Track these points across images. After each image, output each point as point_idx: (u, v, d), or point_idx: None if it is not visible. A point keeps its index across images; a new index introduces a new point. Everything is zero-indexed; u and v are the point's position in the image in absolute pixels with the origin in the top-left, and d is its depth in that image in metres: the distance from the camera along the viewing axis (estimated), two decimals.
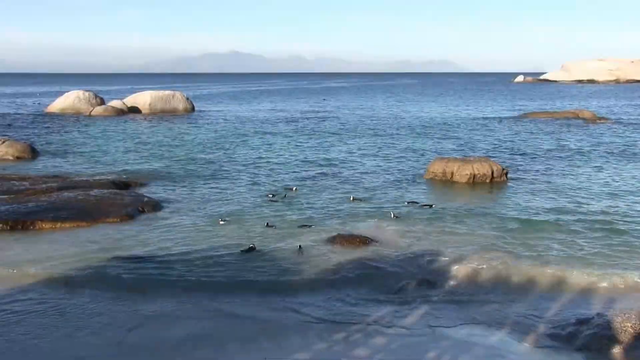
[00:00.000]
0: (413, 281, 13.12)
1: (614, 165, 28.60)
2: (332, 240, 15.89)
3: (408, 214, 19.06)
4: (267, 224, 17.52)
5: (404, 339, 10.37)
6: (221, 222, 17.70)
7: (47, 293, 12.48)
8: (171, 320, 11.27)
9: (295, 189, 22.73)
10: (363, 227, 17.43)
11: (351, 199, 20.95)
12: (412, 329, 10.75)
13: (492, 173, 24.56)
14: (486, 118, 55.67)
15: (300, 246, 15.34)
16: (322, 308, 11.74)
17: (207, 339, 10.49)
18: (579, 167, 28.26)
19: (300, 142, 37.95)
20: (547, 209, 19.83)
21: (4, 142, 31.74)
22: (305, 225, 17.45)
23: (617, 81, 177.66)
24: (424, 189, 23.38)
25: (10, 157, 30.48)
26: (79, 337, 10.50)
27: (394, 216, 18.45)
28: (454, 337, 10.50)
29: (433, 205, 20.05)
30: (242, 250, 14.95)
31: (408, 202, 20.61)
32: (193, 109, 62.07)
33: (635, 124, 49.34)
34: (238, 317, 11.42)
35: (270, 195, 21.46)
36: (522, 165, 28.68)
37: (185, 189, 23.08)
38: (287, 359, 9.63)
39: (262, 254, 14.93)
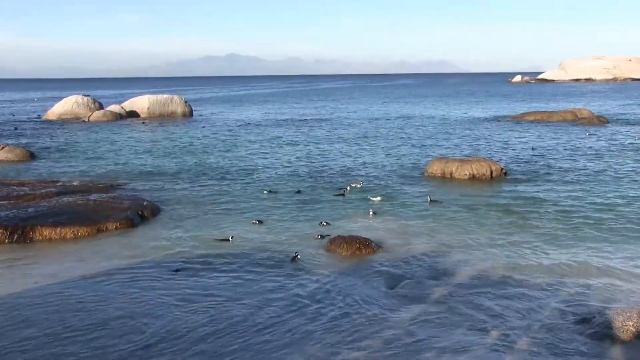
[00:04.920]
0: (412, 280, 13.14)
1: (613, 164, 28.61)
2: (332, 241, 15.86)
3: (407, 214, 19.12)
4: (257, 221, 18.15)
5: (402, 339, 10.36)
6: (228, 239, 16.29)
7: None
8: None
9: (360, 184, 23.53)
10: (360, 227, 17.49)
11: (370, 214, 19.21)
12: (411, 328, 10.75)
13: (491, 173, 24.65)
14: (484, 118, 55.74)
15: (296, 253, 14.93)
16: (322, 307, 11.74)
17: None
18: (578, 166, 28.27)
19: (299, 144, 37.94)
20: (546, 207, 19.87)
21: (2, 147, 31.78)
22: (327, 223, 17.86)
23: (614, 80, 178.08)
24: (423, 189, 23.37)
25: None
26: None
27: (372, 213, 19.08)
28: (452, 336, 10.49)
29: (443, 203, 20.53)
30: (291, 260, 14.50)
31: (371, 199, 21.19)
32: (191, 112, 62.09)
33: (633, 123, 49.42)
34: None
35: (341, 191, 22.25)
36: (520, 164, 28.69)
37: (184, 192, 23.04)
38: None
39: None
